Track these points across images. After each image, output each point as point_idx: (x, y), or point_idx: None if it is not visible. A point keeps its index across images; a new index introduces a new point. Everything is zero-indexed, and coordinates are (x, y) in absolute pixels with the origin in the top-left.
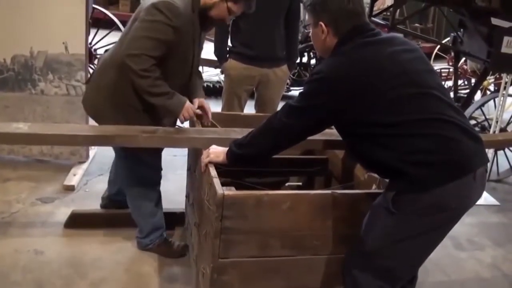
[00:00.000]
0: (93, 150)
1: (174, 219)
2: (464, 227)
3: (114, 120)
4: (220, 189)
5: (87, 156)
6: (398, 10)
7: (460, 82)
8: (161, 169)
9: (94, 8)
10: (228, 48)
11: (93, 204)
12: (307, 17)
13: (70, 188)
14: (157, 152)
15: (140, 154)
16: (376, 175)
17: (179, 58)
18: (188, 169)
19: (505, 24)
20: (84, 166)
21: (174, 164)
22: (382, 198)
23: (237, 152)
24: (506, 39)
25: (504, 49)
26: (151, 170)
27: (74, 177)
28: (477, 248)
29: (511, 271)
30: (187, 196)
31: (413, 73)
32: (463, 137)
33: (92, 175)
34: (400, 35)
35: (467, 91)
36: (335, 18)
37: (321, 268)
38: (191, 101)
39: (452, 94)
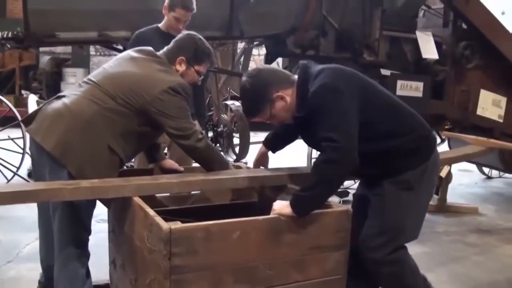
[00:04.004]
0: None
1: None
2: None
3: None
4: (165, 224)
5: None
6: None
7: None
8: (91, 232)
9: None
10: None
11: None
12: (261, 117)
13: None
14: (92, 213)
15: (80, 214)
16: None
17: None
18: (111, 231)
19: (388, 73)
20: None
21: None
22: (394, 188)
23: (304, 195)
24: (399, 82)
25: (398, 92)
26: (86, 232)
27: None
28: None
29: None
30: (113, 262)
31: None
32: None
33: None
34: None
35: None
36: (275, 81)
37: None
38: (160, 163)
39: None
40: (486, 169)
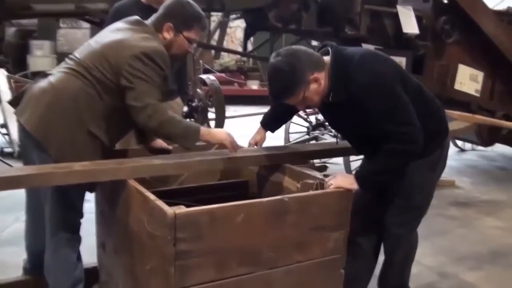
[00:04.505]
0: None
1: (87, 277)
2: None
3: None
4: (169, 209)
5: None
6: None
7: None
8: (83, 215)
9: None
10: None
11: None
12: (291, 101)
13: None
14: (84, 196)
15: (72, 197)
16: (311, 181)
17: None
18: (100, 213)
19: (372, 47)
20: None
21: None
22: (420, 169)
23: (377, 178)
24: None
25: None
26: (77, 215)
27: None
28: None
29: (434, 264)
30: (102, 245)
31: None
32: None
33: None
34: None
35: None
36: (311, 61)
37: (279, 281)
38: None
39: None
40: (459, 142)
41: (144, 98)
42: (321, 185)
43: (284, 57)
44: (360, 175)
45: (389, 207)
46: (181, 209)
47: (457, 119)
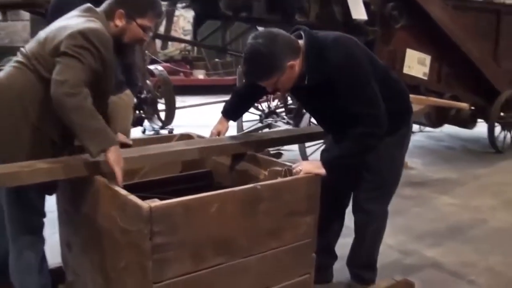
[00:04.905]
0: None
1: (52, 278)
2: None
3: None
4: (144, 203)
5: None
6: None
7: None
8: (45, 215)
9: None
10: None
11: None
12: (263, 83)
13: None
14: (44, 195)
15: (30, 197)
16: (278, 168)
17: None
18: (63, 212)
19: None
20: None
21: None
22: (388, 146)
23: (343, 162)
24: None
25: None
26: (39, 216)
27: None
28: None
29: (395, 242)
30: (68, 245)
31: None
32: None
33: None
34: None
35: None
36: (290, 49)
37: (253, 269)
38: None
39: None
40: None
41: (65, 73)
42: (289, 171)
43: (265, 40)
44: (327, 160)
45: (360, 183)
46: (156, 203)
47: (412, 102)
